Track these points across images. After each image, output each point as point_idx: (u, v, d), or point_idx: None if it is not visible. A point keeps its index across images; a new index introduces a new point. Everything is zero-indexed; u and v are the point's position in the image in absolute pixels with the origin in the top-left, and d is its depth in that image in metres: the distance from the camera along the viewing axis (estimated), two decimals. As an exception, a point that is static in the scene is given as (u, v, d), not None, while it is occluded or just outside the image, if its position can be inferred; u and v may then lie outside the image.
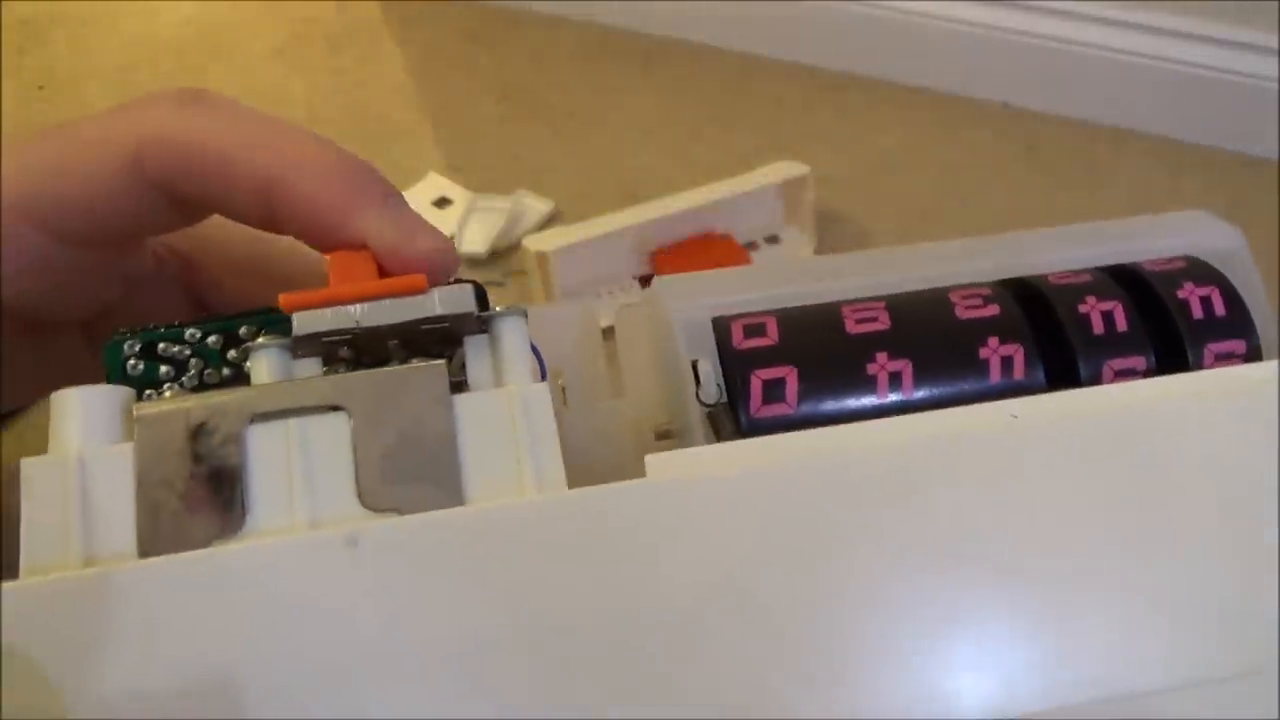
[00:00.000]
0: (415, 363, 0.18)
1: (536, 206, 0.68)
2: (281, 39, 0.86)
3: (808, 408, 0.20)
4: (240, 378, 0.20)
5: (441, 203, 0.69)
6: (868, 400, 0.20)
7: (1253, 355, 0.21)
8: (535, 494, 0.17)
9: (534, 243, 0.59)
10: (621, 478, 0.19)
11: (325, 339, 0.18)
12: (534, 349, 0.21)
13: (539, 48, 0.85)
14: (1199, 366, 0.21)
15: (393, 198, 0.21)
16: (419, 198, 0.69)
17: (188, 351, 0.20)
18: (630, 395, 0.23)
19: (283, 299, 0.17)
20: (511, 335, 0.18)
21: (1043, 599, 0.18)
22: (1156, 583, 0.18)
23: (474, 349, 0.19)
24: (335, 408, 0.17)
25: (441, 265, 0.20)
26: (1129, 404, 0.19)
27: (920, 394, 0.20)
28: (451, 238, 0.64)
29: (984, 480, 0.18)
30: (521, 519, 0.17)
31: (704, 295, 0.21)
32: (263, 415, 0.17)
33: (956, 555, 0.18)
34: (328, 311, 0.17)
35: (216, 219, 0.22)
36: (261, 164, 0.20)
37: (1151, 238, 0.22)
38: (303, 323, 0.17)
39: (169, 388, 0.20)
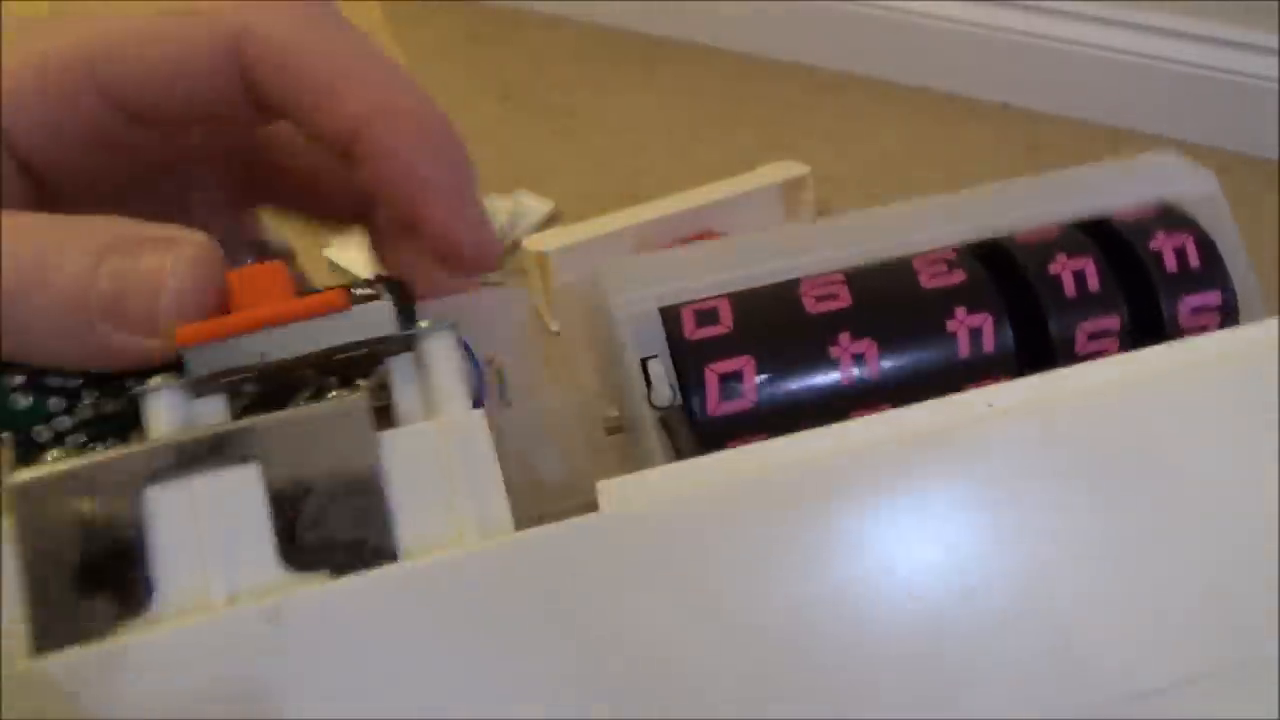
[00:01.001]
0: (332, 394, 0.16)
1: (536, 206, 0.68)
2: (282, 39, 0.86)
3: (768, 400, 0.19)
4: (134, 410, 0.18)
5: (441, 203, 0.69)
6: (831, 385, 0.19)
7: (1228, 305, 0.20)
8: (478, 540, 0.15)
9: (534, 243, 0.59)
10: (571, 479, 0.19)
11: (227, 377, 0.15)
12: (465, 345, 0.19)
13: (539, 48, 0.85)
14: (1174, 322, 0.20)
15: (476, 187, 0.20)
16: (419, 198, 0.69)
17: (77, 380, 0.18)
18: (573, 381, 0.21)
19: (179, 333, 0.15)
20: (440, 356, 0.16)
21: (1035, 601, 0.17)
22: (1152, 574, 0.17)
23: (399, 371, 0.16)
24: (245, 458, 0.15)
25: (491, 262, 0.20)
26: (1110, 384, 0.17)
27: (887, 374, 0.19)
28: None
29: (964, 479, 0.17)
30: (466, 572, 0.15)
31: (651, 281, 0.19)
32: (161, 474, 0.15)
33: (938, 564, 0.16)
34: (226, 345, 0.15)
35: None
36: (366, 94, 0.19)
37: (1122, 186, 0.21)
38: (199, 362, 0.15)
39: (59, 422, 0.18)
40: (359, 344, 0.16)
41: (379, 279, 0.19)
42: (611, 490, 0.16)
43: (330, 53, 0.19)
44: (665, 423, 0.18)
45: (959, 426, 0.17)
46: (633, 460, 0.19)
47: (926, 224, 0.20)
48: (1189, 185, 0.21)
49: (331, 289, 0.16)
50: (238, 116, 0.21)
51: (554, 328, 0.22)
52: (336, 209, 0.23)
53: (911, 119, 0.76)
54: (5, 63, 0.19)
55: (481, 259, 0.20)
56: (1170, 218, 0.21)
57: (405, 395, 0.16)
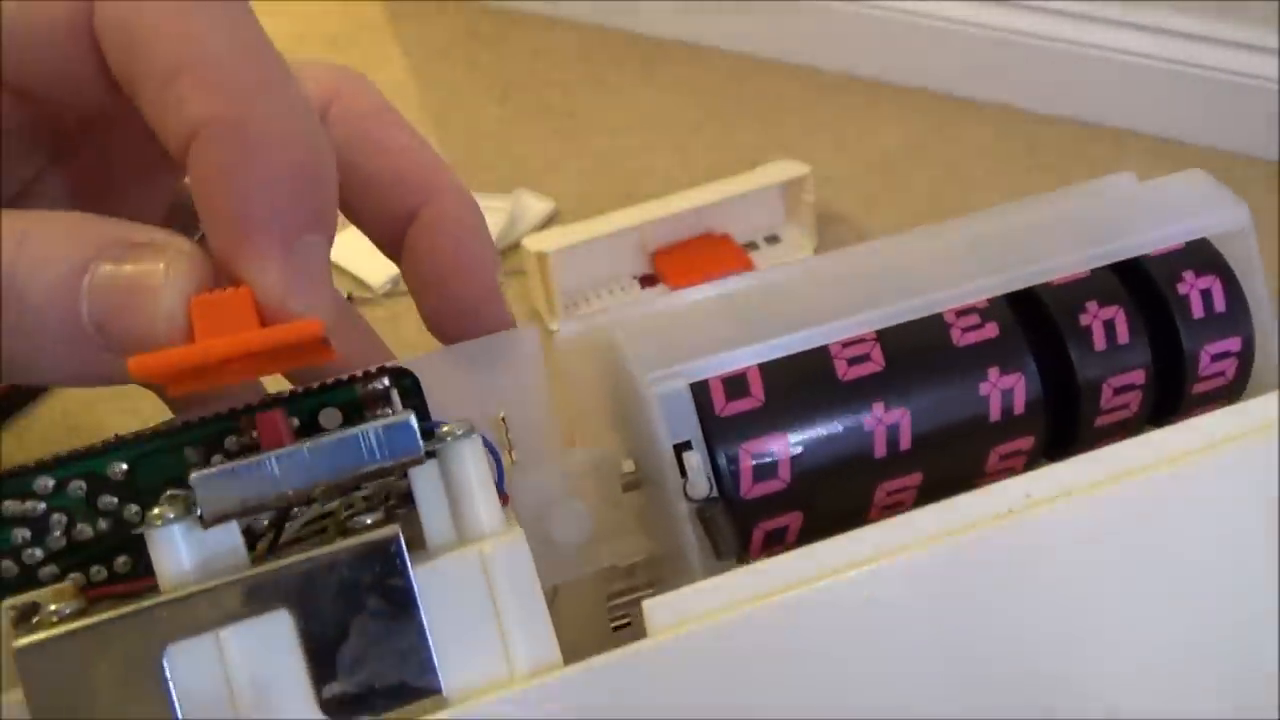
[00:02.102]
0: (359, 520, 0.15)
1: (536, 206, 0.68)
2: (282, 39, 0.86)
3: (801, 479, 0.18)
4: (120, 528, 0.16)
5: (441, 203, 0.69)
6: (865, 459, 0.18)
7: (1246, 351, 0.21)
8: (526, 675, 0.15)
9: (534, 243, 0.59)
10: (587, 539, 0.18)
11: (242, 513, 0.14)
12: (487, 444, 0.17)
13: (539, 48, 0.85)
14: (1194, 369, 0.20)
15: (310, 244, 0.16)
16: (419, 198, 0.69)
17: (42, 506, 0.16)
18: (582, 434, 0.20)
19: (131, 363, 0.14)
20: (468, 467, 0.15)
21: (1079, 679, 0.17)
22: (1174, 647, 0.17)
23: (423, 483, 0.15)
24: (273, 604, 0.14)
25: (311, 342, 0.16)
26: (1132, 472, 0.17)
27: (918, 443, 0.19)
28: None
29: (1004, 576, 0.16)
30: (517, 712, 0.14)
31: (676, 350, 0.18)
32: (183, 628, 0.14)
33: (981, 658, 0.16)
34: (239, 476, 0.14)
35: None
36: (204, 106, 0.15)
37: (1155, 223, 0.20)
38: (209, 492, 0.14)
39: (29, 555, 0.16)
40: (385, 471, 0.14)
41: (384, 370, 0.17)
42: (659, 612, 0.15)
43: (186, 36, 0.15)
44: (701, 517, 0.17)
45: (997, 522, 0.16)
46: (656, 532, 0.19)
47: (958, 269, 0.19)
48: (1221, 215, 0.21)
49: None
50: (98, 95, 0.17)
51: (552, 326, 0.22)
52: None
53: (911, 119, 0.76)
54: None
55: (305, 339, 0.17)
56: (1200, 256, 0.21)
57: (433, 513, 0.15)
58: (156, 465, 0.17)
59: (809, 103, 0.79)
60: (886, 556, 0.16)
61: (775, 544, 0.18)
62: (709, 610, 0.15)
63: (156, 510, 0.14)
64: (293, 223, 0.15)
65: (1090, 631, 0.17)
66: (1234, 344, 0.21)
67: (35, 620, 0.14)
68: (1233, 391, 0.21)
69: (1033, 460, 0.20)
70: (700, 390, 0.18)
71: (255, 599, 0.14)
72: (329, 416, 0.17)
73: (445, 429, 0.15)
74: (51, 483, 0.16)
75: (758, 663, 0.15)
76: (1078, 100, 0.75)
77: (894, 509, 0.19)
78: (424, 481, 0.15)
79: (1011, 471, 0.20)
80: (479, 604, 0.15)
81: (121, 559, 0.17)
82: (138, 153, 0.20)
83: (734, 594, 0.15)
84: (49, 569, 0.17)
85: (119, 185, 0.21)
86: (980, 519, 0.17)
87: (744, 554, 0.18)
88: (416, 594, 0.14)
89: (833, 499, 0.19)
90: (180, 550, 0.14)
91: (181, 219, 0.20)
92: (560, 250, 0.58)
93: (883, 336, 0.19)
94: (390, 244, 0.21)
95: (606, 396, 0.19)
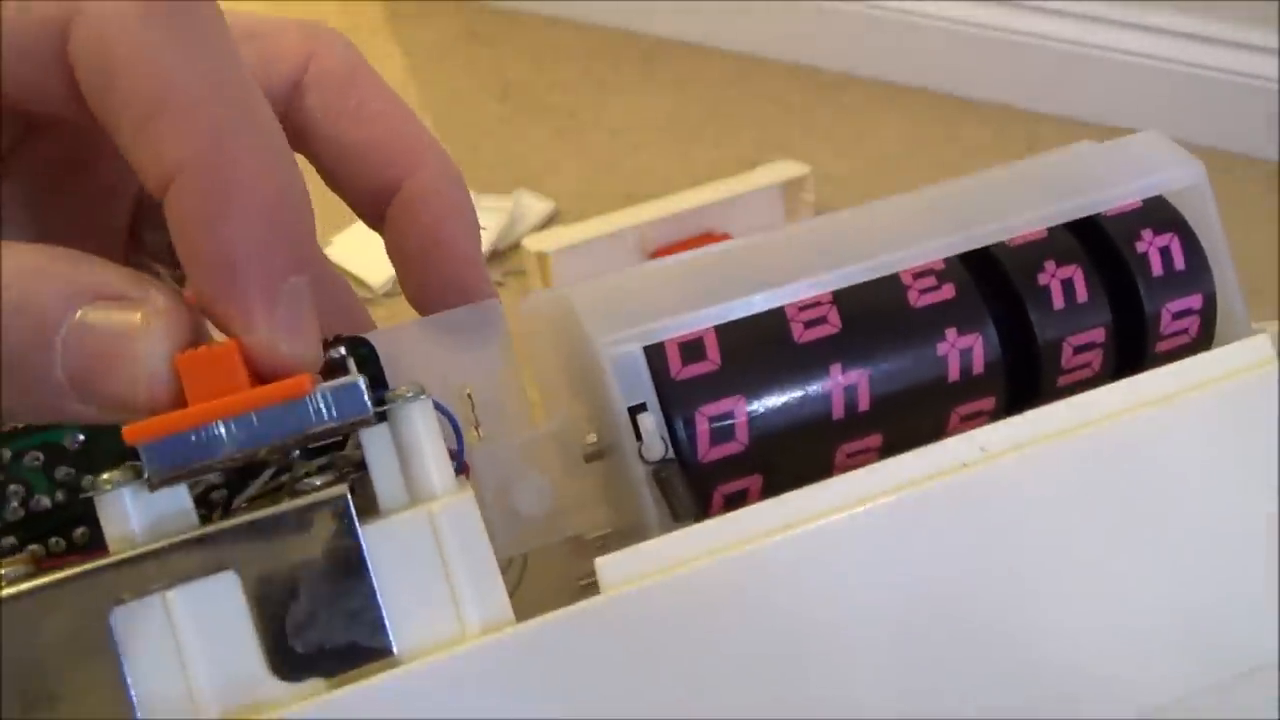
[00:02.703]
0: (305, 479, 0.15)
1: (536, 206, 0.68)
2: (282, 39, 0.86)
3: (759, 441, 0.18)
4: (76, 499, 0.16)
5: (441, 203, 0.69)
6: (824, 421, 0.18)
7: (1208, 308, 0.21)
8: (478, 632, 0.14)
9: (534, 243, 0.59)
10: (550, 510, 0.18)
11: (188, 474, 0.14)
12: (439, 406, 0.17)
13: (539, 48, 0.85)
14: (1156, 328, 0.20)
15: (294, 287, 0.15)
16: (419, 198, 0.69)
17: (0, 477, 0.16)
18: (545, 404, 0.20)
19: (126, 431, 0.14)
20: (418, 428, 0.15)
21: (1042, 627, 0.17)
22: (1149, 595, 0.18)
23: (374, 446, 0.15)
24: (221, 564, 0.14)
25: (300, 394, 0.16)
26: (1099, 421, 0.18)
27: (878, 404, 0.19)
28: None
29: (960, 528, 0.17)
30: (470, 670, 0.14)
31: (632, 314, 0.18)
32: (131, 588, 0.14)
33: (941, 610, 0.16)
34: (189, 436, 0.14)
35: None
36: (181, 149, 0.14)
37: (1113, 174, 0.20)
38: (158, 458, 0.14)
39: None
40: (333, 431, 0.14)
41: (341, 339, 0.17)
42: (610, 570, 0.15)
43: (167, 69, 0.15)
44: (657, 478, 0.17)
45: (953, 474, 0.17)
46: (618, 501, 0.19)
47: (916, 231, 0.19)
48: (1177, 173, 0.21)
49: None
50: (68, 112, 0.16)
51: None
52: None
53: (911, 119, 0.76)
54: None
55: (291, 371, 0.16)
56: (1158, 214, 0.20)
57: (384, 475, 0.15)
58: (114, 435, 0.16)
59: (809, 103, 0.79)
60: (837, 511, 0.16)
61: (735, 506, 0.18)
62: (660, 567, 0.15)
63: (106, 475, 0.14)
64: (276, 269, 0.15)
65: (1049, 580, 0.17)
66: (1195, 301, 0.20)
67: None
68: (1196, 349, 0.21)
69: (995, 421, 0.19)
70: (656, 354, 0.18)
71: (202, 560, 0.14)
72: None
73: (395, 392, 0.15)
74: (8, 454, 0.16)
75: (708, 618, 0.15)
76: (1078, 100, 0.75)
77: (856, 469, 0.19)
78: (374, 444, 0.15)
79: None
80: (429, 563, 0.15)
81: (79, 530, 0.17)
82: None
83: (684, 550, 0.16)
84: (7, 540, 0.17)
85: (92, 163, 0.20)
86: (936, 471, 0.17)
87: (702, 516, 0.17)
88: (366, 554, 0.14)
89: (792, 461, 0.18)
90: (129, 513, 0.14)
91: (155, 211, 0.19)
92: (560, 250, 0.58)
93: (839, 298, 0.19)
94: (372, 216, 0.21)
95: (568, 367, 0.19)
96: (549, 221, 0.68)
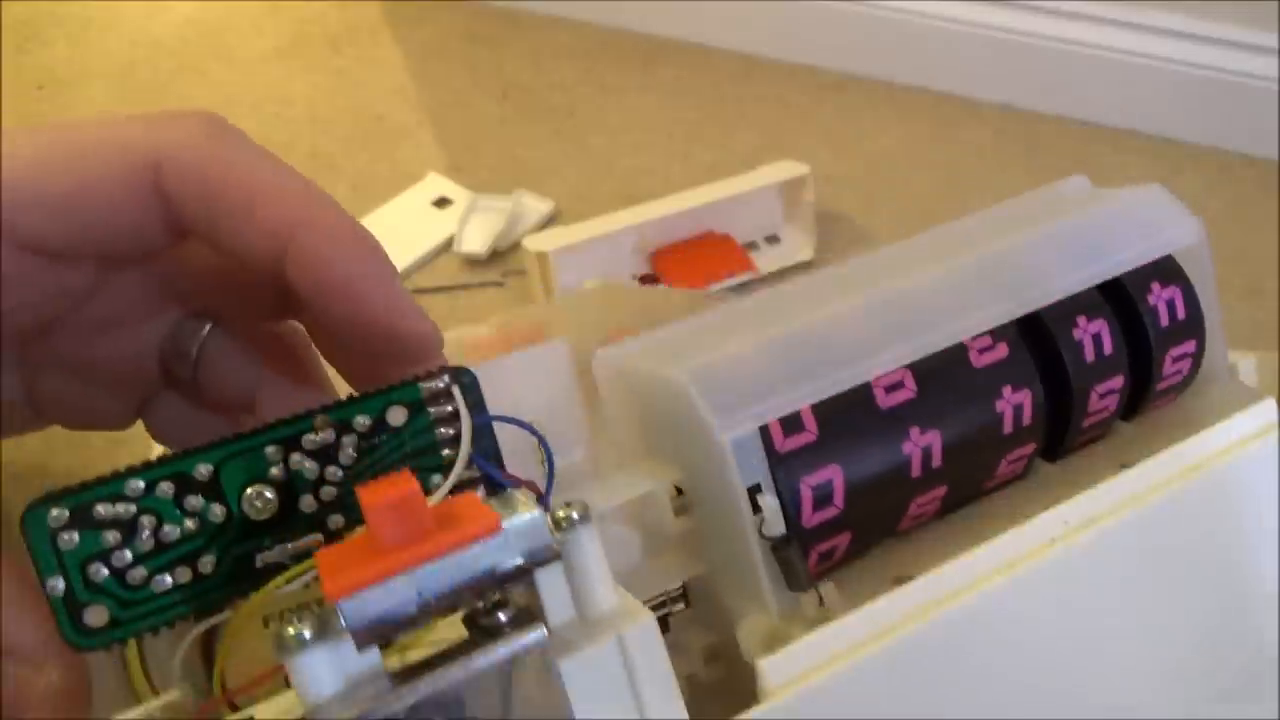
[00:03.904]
0: (494, 618, 0.15)
1: (536, 206, 0.68)
2: (281, 39, 0.86)
3: (853, 503, 0.19)
4: (204, 529, 0.17)
5: (441, 203, 0.69)
6: (904, 479, 0.20)
7: (1199, 348, 0.23)
8: None
9: (534, 243, 0.59)
10: (631, 570, 0.19)
11: (387, 630, 0.14)
12: (545, 445, 0.19)
13: (539, 48, 0.85)
14: (1160, 370, 0.23)
15: (397, 276, 0.20)
16: (419, 198, 0.69)
17: (134, 509, 0.17)
18: (617, 455, 0.21)
19: (329, 586, 0.13)
20: (587, 554, 0.15)
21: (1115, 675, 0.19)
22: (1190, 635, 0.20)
23: (546, 575, 0.15)
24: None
25: (436, 348, 0.20)
26: (1149, 491, 0.20)
27: (947, 459, 0.20)
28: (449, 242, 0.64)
29: (1052, 600, 0.19)
30: None
31: (741, 397, 0.19)
32: None
33: (1047, 671, 0.18)
34: (382, 589, 0.14)
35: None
36: (286, 211, 0.19)
37: (1130, 243, 0.23)
38: (356, 613, 0.13)
39: (117, 558, 0.17)
40: (521, 569, 0.14)
41: (442, 369, 0.19)
42: (773, 668, 0.16)
43: (245, 171, 0.19)
44: (776, 554, 0.18)
45: (1051, 549, 0.19)
46: (713, 559, 0.20)
47: (973, 297, 0.21)
48: (1182, 232, 0.23)
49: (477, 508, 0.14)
50: (153, 241, 0.20)
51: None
52: (259, 310, 0.23)
53: (911, 119, 0.76)
54: None
55: (425, 345, 0.20)
56: (1163, 269, 0.23)
57: (553, 596, 0.15)
58: (239, 466, 0.18)
59: (809, 103, 0.79)
60: (968, 590, 0.18)
61: (826, 562, 0.20)
62: (818, 663, 0.16)
63: (291, 630, 0.14)
64: (384, 264, 0.20)
65: (1125, 625, 0.20)
66: (1190, 346, 0.23)
67: None
68: (1186, 385, 0.24)
69: (1030, 462, 0.22)
70: (763, 431, 0.19)
71: (420, 714, 0.14)
72: (395, 414, 0.18)
73: (560, 514, 0.15)
74: (142, 485, 0.17)
75: (867, 707, 0.17)
76: (1078, 100, 0.75)
77: (920, 518, 0.21)
78: (547, 573, 0.15)
79: (1015, 474, 0.22)
80: (620, 688, 0.15)
81: (206, 559, 0.17)
82: (137, 305, 0.23)
83: (835, 645, 0.17)
84: (137, 571, 0.17)
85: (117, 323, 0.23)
86: (1035, 545, 0.19)
87: (811, 582, 0.19)
88: (565, 688, 0.14)
89: (876, 517, 0.20)
90: (327, 675, 0.14)
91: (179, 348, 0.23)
92: (560, 250, 0.58)
93: (914, 367, 0.20)
94: (287, 305, 0.22)
95: (645, 430, 0.20)
96: (549, 221, 0.68)
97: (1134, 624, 0.19)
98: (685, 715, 0.16)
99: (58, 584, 0.17)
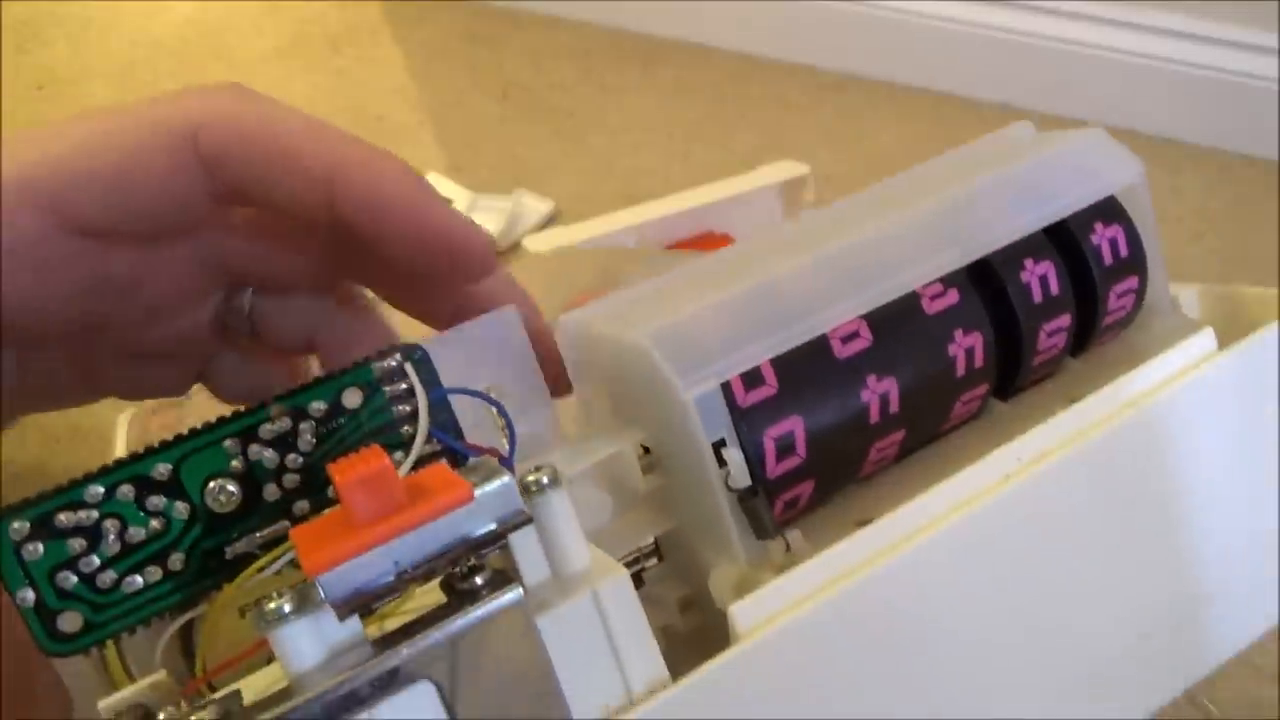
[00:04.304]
0: (470, 581, 0.15)
1: (536, 206, 0.68)
2: (281, 39, 0.86)
3: (814, 452, 0.20)
4: (168, 529, 0.17)
5: (441, 203, 0.69)
6: (863, 426, 0.21)
7: (1142, 284, 0.24)
8: (644, 696, 0.16)
9: (534, 243, 0.59)
10: (604, 535, 0.19)
11: (367, 601, 0.14)
12: (502, 411, 0.19)
13: (539, 48, 0.85)
14: (1105, 306, 0.23)
15: (443, 198, 0.21)
16: (419, 198, 0.69)
17: (95, 515, 0.17)
18: (580, 419, 0.22)
19: (307, 563, 0.14)
20: (558, 516, 0.16)
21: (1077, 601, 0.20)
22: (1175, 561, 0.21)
23: (520, 538, 0.16)
24: (414, 677, 0.14)
25: (493, 257, 0.21)
26: (1097, 423, 0.20)
27: (904, 405, 0.21)
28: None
29: (1020, 528, 0.19)
30: None
31: (702, 355, 0.19)
32: (337, 715, 0.14)
33: (1012, 604, 0.19)
34: (360, 562, 0.14)
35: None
36: (326, 153, 0.20)
37: (1074, 186, 0.23)
38: (335, 586, 0.14)
39: (85, 564, 0.17)
40: (494, 534, 0.15)
41: (393, 348, 0.19)
42: (744, 611, 0.17)
43: (280, 124, 0.20)
44: (743, 504, 0.19)
45: (1005, 485, 0.19)
46: (681, 514, 0.20)
47: (924, 247, 0.21)
48: (1125, 173, 0.24)
49: (446, 476, 0.15)
50: (197, 211, 0.21)
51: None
52: (307, 268, 0.24)
53: (911, 119, 0.76)
54: None
55: (484, 255, 0.21)
56: (1106, 209, 0.24)
57: (527, 558, 0.16)
58: (198, 462, 0.18)
59: (809, 103, 0.79)
60: (925, 531, 0.18)
61: (790, 510, 0.21)
62: (786, 605, 0.17)
63: (272, 605, 0.14)
64: (429, 188, 0.21)
65: (1087, 567, 0.20)
66: (1133, 282, 0.24)
67: None
68: (1130, 320, 0.25)
69: (984, 402, 0.23)
70: (724, 387, 0.19)
71: (403, 675, 0.14)
72: (350, 396, 0.18)
73: (528, 478, 0.16)
74: (101, 490, 0.17)
75: (839, 643, 0.17)
76: (1078, 100, 0.75)
77: (880, 463, 0.22)
78: (520, 538, 0.16)
79: (970, 415, 0.23)
80: (597, 641, 0.15)
81: (175, 556, 0.18)
82: (186, 286, 0.23)
83: (802, 589, 0.17)
84: (106, 575, 0.17)
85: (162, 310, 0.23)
86: (991, 482, 0.19)
87: (777, 530, 0.19)
88: (542, 642, 0.15)
89: (837, 465, 0.21)
90: (310, 646, 0.14)
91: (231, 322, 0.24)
92: (560, 250, 0.58)
93: (868, 317, 0.21)
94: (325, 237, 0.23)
95: (612, 390, 0.21)
96: (549, 221, 0.68)
97: (1085, 555, 0.20)
98: (661, 663, 0.16)
99: (27, 595, 0.17)
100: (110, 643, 0.18)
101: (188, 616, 0.18)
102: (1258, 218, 0.65)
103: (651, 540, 0.21)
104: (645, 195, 0.64)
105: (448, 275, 0.21)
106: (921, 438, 0.22)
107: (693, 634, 0.19)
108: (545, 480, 0.16)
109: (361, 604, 0.14)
